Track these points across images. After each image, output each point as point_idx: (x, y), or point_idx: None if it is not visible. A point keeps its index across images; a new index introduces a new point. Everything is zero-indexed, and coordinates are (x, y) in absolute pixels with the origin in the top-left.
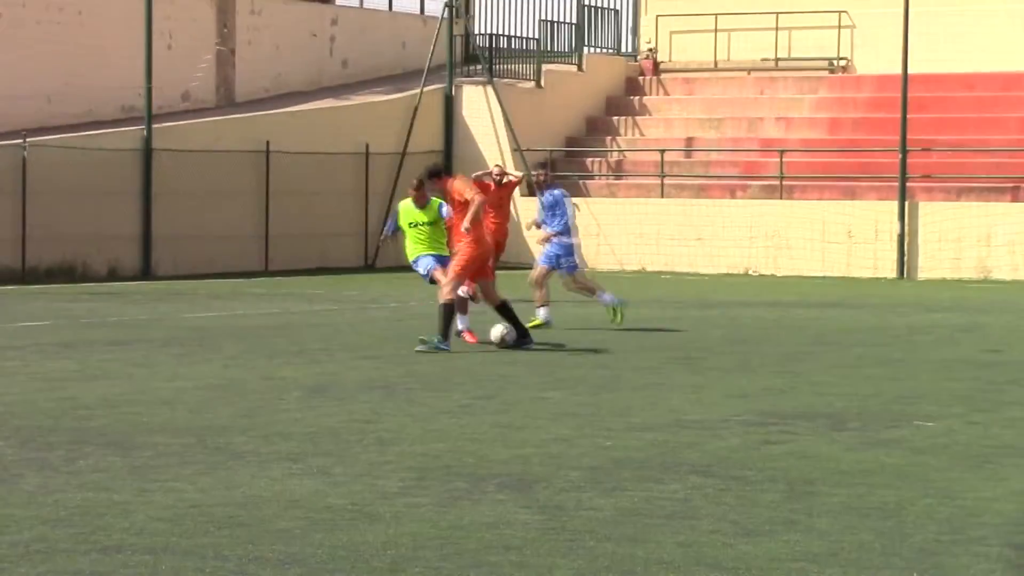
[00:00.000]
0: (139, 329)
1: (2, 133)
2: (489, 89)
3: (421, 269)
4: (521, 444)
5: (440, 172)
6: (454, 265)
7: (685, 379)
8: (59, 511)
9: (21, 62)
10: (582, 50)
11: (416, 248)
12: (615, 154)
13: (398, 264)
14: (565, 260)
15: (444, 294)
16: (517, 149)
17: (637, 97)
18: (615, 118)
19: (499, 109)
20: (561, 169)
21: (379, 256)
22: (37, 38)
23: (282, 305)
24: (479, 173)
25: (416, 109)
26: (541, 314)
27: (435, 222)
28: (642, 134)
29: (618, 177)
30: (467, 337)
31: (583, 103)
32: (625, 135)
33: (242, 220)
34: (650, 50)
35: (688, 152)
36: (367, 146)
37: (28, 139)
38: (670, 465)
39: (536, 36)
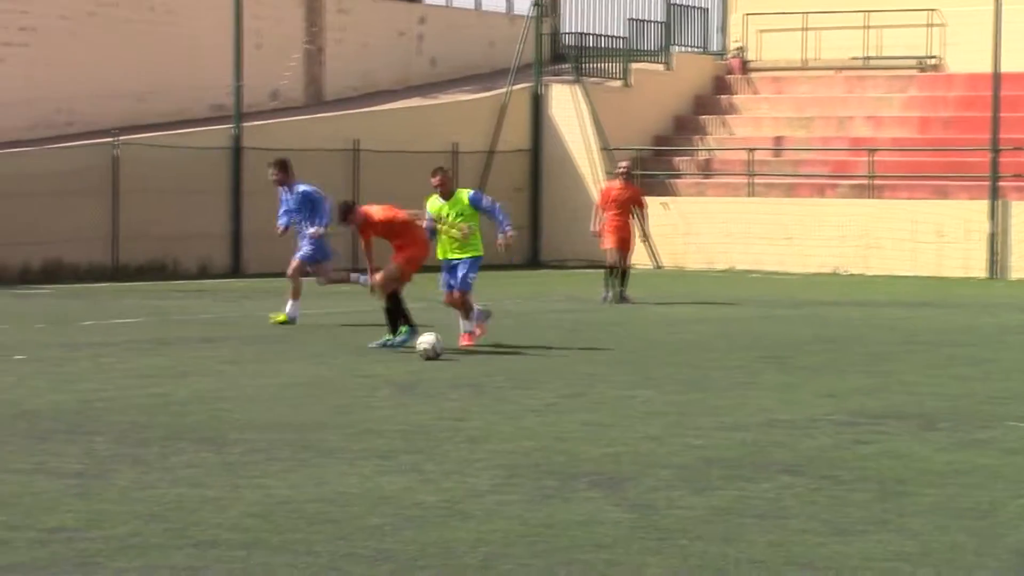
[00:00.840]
0: (229, 326)
1: (94, 132)
2: (577, 88)
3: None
4: (611, 442)
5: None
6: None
7: (775, 378)
8: (153, 506)
9: (112, 61)
10: (670, 49)
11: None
12: (703, 153)
13: (487, 263)
14: (321, 255)
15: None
16: (605, 148)
17: (725, 96)
18: (703, 117)
19: (587, 108)
20: (649, 168)
21: None
22: (128, 37)
23: (370, 303)
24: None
25: (504, 108)
26: (288, 309)
27: (463, 215)
28: (731, 133)
29: (707, 176)
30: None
31: (671, 102)
32: (713, 134)
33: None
34: (739, 49)
35: (777, 151)
36: (455, 145)
37: (119, 138)
38: (761, 464)
39: (624, 35)
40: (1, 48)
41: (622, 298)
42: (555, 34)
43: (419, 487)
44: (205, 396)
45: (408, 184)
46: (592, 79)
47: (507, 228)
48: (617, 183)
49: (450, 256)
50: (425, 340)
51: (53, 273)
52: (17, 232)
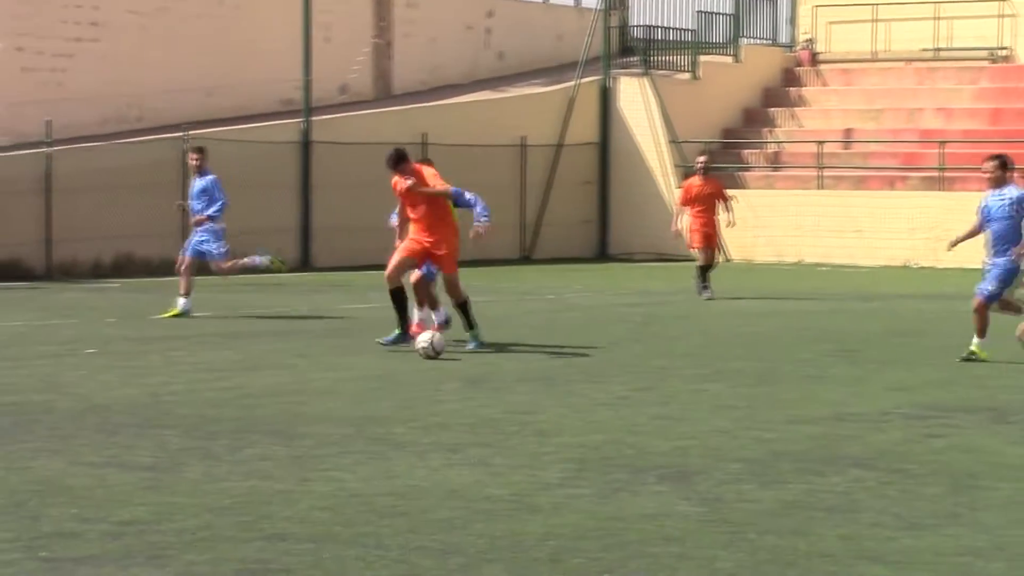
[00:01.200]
0: (299, 320)
1: (163, 127)
2: (645, 80)
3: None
4: (680, 436)
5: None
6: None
7: (844, 372)
8: (224, 499)
9: (182, 56)
10: (739, 41)
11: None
12: (772, 146)
13: (556, 256)
14: (215, 246)
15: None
16: (674, 141)
17: (795, 88)
18: (772, 109)
19: (655, 101)
20: (719, 160)
21: (536, 248)
22: (198, 33)
23: (439, 296)
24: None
25: (572, 101)
26: (180, 304)
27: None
28: (800, 125)
29: (775, 168)
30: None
31: (740, 94)
32: (782, 126)
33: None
34: (808, 41)
35: (846, 144)
36: (523, 138)
37: (188, 132)
38: (830, 458)
39: (692, 27)
40: (72, 44)
41: (704, 288)
42: (623, 27)
43: (488, 480)
44: (276, 389)
45: (476, 177)
46: (660, 72)
47: (483, 219)
48: (696, 179)
49: None
50: (423, 339)
51: (123, 267)
52: (88, 227)
